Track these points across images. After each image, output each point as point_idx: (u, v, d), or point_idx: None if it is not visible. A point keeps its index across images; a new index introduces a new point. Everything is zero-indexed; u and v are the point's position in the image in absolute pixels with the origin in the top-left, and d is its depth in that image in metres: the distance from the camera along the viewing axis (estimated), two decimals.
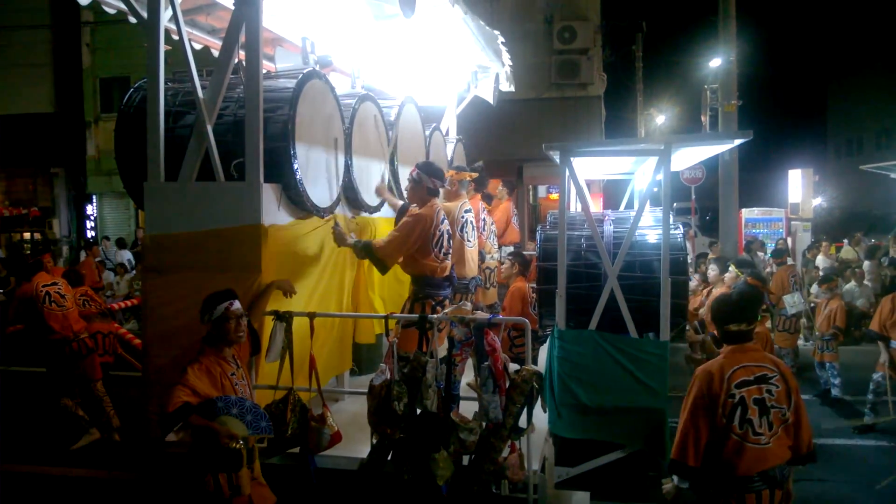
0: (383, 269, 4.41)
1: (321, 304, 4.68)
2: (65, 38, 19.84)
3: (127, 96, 4.63)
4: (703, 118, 13.85)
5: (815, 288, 10.88)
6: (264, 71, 4.17)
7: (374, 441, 3.92)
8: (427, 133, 6.81)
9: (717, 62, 13.60)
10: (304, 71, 4.48)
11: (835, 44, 36.40)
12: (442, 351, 4.03)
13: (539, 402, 3.81)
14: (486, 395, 3.75)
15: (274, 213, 4.16)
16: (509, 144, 15.25)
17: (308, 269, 4.60)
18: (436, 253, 4.33)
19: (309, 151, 4.43)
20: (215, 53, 5.78)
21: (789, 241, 15.37)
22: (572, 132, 15.46)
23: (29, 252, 14.36)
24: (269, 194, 4.09)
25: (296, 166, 4.19)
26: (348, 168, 4.98)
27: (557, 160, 4.68)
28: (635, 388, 4.45)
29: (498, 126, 14.76)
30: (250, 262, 4.00)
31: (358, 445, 4.14)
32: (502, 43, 7.12)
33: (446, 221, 4.49)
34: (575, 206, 6.31)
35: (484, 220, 6.17)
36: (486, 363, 3.77)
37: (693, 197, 17.40)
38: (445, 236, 4.41)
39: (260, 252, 3.99)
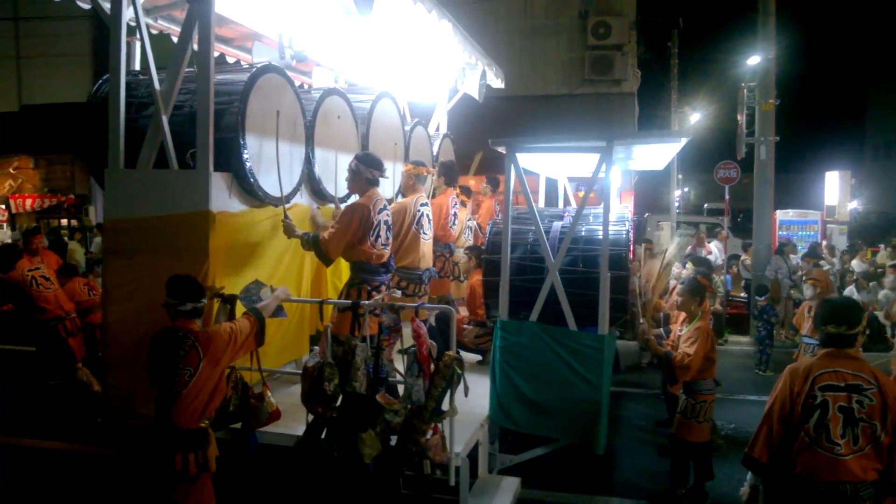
0: (327, 262, 4.59)
1: (283, 284, 4.87)
2: (104, 29, 20.43)
3: (95, 87, 4.90)
4: (739, 117, 13.58)
5: (849, 290, 10.75)
6: (246, 64, 4.35)
7: (310, 420, 4.11)
8: (407, 128, 6.97)
9: (755, 60, 13.33)
10: (259, 65, 4.68)
11: (876, 45, 35.57)
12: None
13: (462, 386, 3.95)
14: (410, 378, 3.91)
15: (224, 200, 4.38)
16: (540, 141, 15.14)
17: (264, 256, 4.80)
18: (372, 241, 4.49)
19: (263, 142, 4.64)
20: (195, 47, 6.04)
21: (824, 243, 15.13)
22: (605, 129, 15.17)
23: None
24: (218, 182, 4.30)
25: (246, 156, 4.40)
26: (310, 160, 5.17)
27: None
28: (573, 380, 4.56)
29: (529, 122, 14.69)
30: (199, 247, 4.21)
31: (300, 424, 4.34)
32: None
33: (386, 212, 4.64)
34: (568, 203, 6.42)
35: (455, 213, 6.31)
36: (413, 348, 3.93)
37: (727, 197, 17.15)
38: (383, 226, 4.57)
39: (207, 237, 4.20)
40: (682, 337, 4.97)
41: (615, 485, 5.52)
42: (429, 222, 5.41)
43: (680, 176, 26.22)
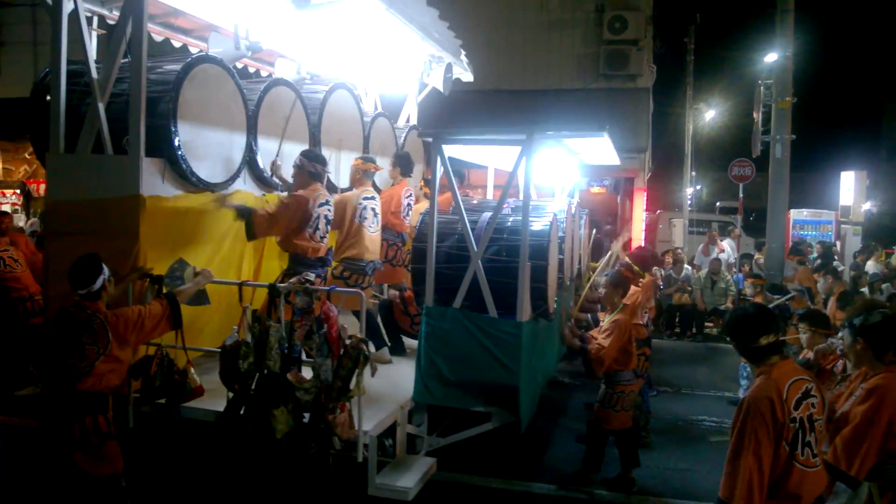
0: (249, 237, 4.74)
1: (218, 273, 5.07)
2: None
3: (43, 75, 5.10)
4: (755, 114, 13.50)
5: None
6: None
7: (230, 396, 4.30)
8: (368, 119, 7.13)
9: (772, 57, 13.25)
10: (195, 56, 4.86)
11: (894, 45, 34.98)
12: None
13: (368, 368, 4.11)
14: (319, 358, 4.09)
15: (157, 185, 4.57)
16: None
17: (203, 240, 4.99)
18: (310, 234, 4.67)
19: (198, 130, 4.82)
20: (156, 38, 6.25)
21: (838, 244, 15.03)
22: (619, 124, 14.94)
23: None
24: (150, 168, 4.50)
25: (177, 143, 4.59)
26: (252, 148, 5.35)
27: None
28: (492, 364, 4.73)
29: (540, 115, 14.60)
30: (130, 229, 4.42)
31: (223, 400, 4.52)
32: (455, 36, 7.36)
33: (327, 206, 4.81)
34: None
35: (409, 204, 6.44)
36: (323, 330, 4.11)
37: (741, 195, 17.08)
38: (322, 220, 4.74)
39: (138, 220, 4.41)
40: (601, 328, 5.09)
41: (541, 470, 5.65)
42: (374, 216, 5.57)
43: (693, 173, 26.09)
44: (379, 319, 5.87)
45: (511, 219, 5.15)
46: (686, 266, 12.62)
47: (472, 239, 4.79)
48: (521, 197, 4.71)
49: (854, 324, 3.55)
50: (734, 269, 13.41)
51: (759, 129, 13.23)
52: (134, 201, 4.42)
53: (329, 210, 4.85)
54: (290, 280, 4.51)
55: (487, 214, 5.10)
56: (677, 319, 11.93)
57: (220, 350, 4.26)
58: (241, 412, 4.26)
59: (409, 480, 4.30)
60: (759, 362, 2.98)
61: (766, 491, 2.80)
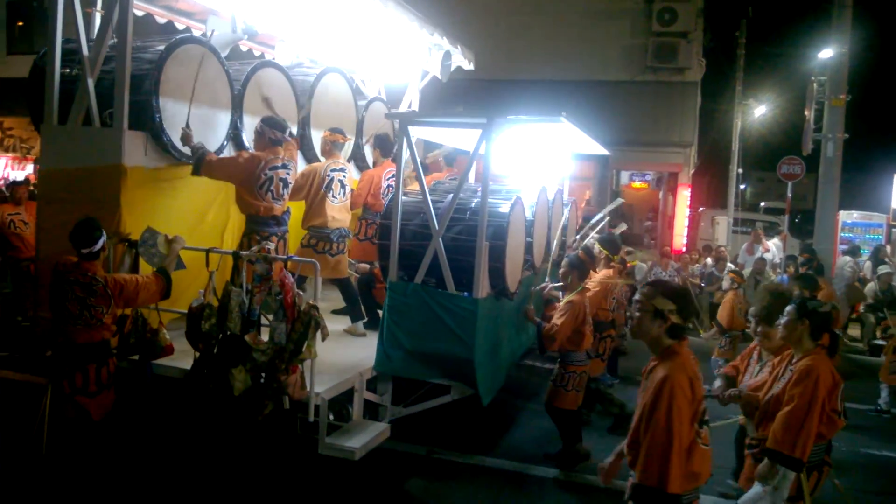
0: (195, 172, 4.93)
1: (202, 242, 5.38)
2: None
3: (42, 52, 5.46)
4: (806, 112, 13.25)
5: None
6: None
7: (196, 356, 4.61)
8: (363, 103, 7.38)
9: (827, 53, 12.96)
10: (179, 36, 5.16)
11: None
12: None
13: (320, 333, 4.37)
14: (275, 322, 4.36)
15: (139, 156, 4.89)
16: (595, 127, 14.77)
17: (186, 210, 5.31)
18: (261, 194, 4.92)
19: (181, 106, 5.12)
20: (159, 20, 6.59)
21: (888, 248, 14.76)
22: (665, 118, 15.35)
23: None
24: (133, 140, 4.82)
25: (158, 117, 4.90)
26: (237, 125, 5.65)
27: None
28: (449, 338, 4.94)
29: (585, 107, 14.69)
30: (112, 197, 4.76)
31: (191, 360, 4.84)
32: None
33: (285, 170, 5.05)
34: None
35: (390, 185, 6.65)
36: (279, 296, 4.38)
37: (789, 195, 16.84)
38: (278, 182, 4.98)
39: (119, 189, 4.74)
40: (558, 308, 5.26)
41: (502, 447, 5.83)
42: (342, 187, 5.80)
43: (740, 170, 25.73)
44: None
45: (475, 200, 5.34)
46: (728, 264, 12.55)
47: (434, 217, 5.00)
48: (482, 178, 4.89)
49: (805, 306, 3.67)
50: (779, 270, 13.33)
51: (811, 127, 12.89)
52: (116, 171, 4.75)
53: (287, 174, 5.09)
54: (250, 246, 4.78)
55: (450, 196, 5.29)
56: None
57: (187, 312, 4.56)
58: (205, 370, 4.56)
59: (357, 442, 4.55)
60: (675, 339, 2.98)
61: (682, 472, 2.78)
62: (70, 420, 4.17)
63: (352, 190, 6.16)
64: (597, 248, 6.22)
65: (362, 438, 4.62)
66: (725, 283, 7.37)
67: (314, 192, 5.60)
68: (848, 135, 12.23)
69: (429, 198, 5.04)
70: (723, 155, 26.51)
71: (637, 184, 21.76)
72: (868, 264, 13.30)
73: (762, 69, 28.03)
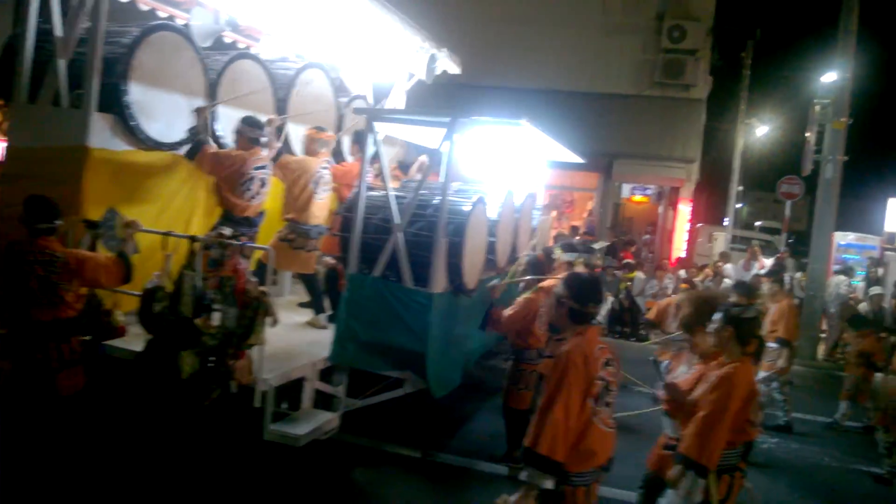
0: (189, 157, 5.13)
1: (167, 228, 5.43)
2: None
3: (12, 34, 5.52)
4: (807, 133, 13.38)
5: None
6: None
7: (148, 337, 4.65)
8: (343, 100, 7.43)
9: (830, 77, 13.13)
10: (154, 23, 5.23)
11: None
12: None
13: (271, 319, 4.41)
14: (224, 306, 4.40)
15: (106, 139, 4.94)
16: (600, 139, 15.24)
17: (150, 195, 5.34)
18: (241, 192, 4.98)
19: (153, 92, 5.18)
20: (142, 7, 6.66)
21: (880, 270, 14.81)
22: (670, 133, 15.51)
23: None
24: (100, 122, 4.88)
25: (126, 101, 4.95)
26: (210, 114, 5.70)
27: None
28: (403, 331, 4.98)
29: (592, 119, 15.03)
30: (75, 177, 4.80)
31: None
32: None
33: (265, 171, 5.12)
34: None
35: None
36: (231, 282, 4.42)
37: (787, 214, 16.86)
38: (257, 182, 5.05)
39: (83, 169, 4.79)
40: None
41: (454, 443, 5.84)
42: (325, 184, 5.87)
43: (741, 188, 25.71)
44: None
45: (439, 198, 5.37)
46: (725, 280, 12.58)
47: (396, 212, 5.04)
48: (445, 176, 4.93)
49: (730, 312, 3.68)
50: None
51: (812, 149, 12.98)
52: (81, 152, 4.80)
53: (266, 174, 5.14)
54: (209, 234, 4.82)
55: (414, 194, 5.33)
56: None
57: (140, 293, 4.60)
58: (154, 352, 4.59)
59: (301, 429, 4.58)
60: (579, 324, 3.17)
61: (570, 443, 2.94)
62: (37, 398, 4.19)
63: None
64: (557, 252, 6.24)
65: (307, 426, 4.66)
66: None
67: (301, 186, 5.66)
68: (848, 157, 12.28)
69: (391, 192, 5.08)
70: (723, 172, 26.53)
71: (638, 197, 21.78)
72: (861, 285, 13.33)
73: (766, 90, 28.14)
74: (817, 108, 13.07)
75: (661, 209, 19.99)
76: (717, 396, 3.44)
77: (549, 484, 2.91)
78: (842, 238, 16.82)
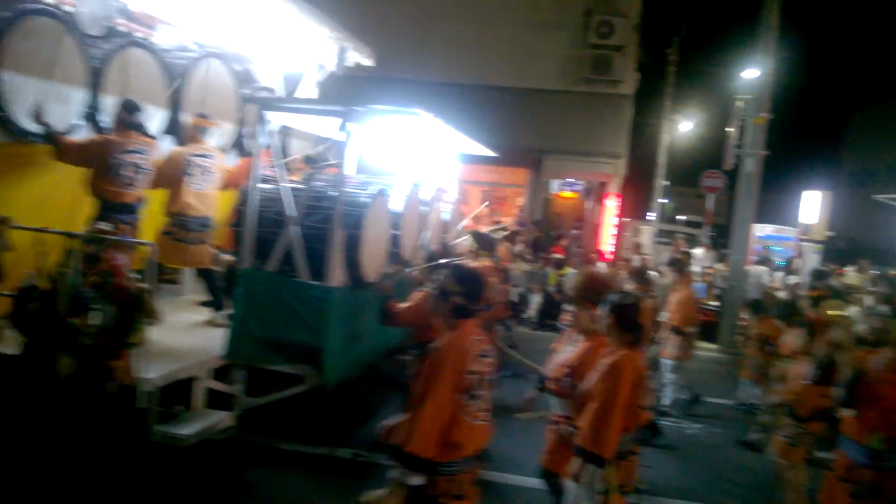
0: (57, 157, 4.86)
1: (49, 223, 5.15)
2: None
3: None
4: (730, 128, 13.66)
5: None
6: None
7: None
8: (247, 90, 7.24)
9: (752, 73, 13.42)
10: (28, 7, 4.94)
11: (864, 72, 35.56)
12: None
13: (152, 318, 4.24)
14: (102, 304, 4.20)
15: None
16: (530, 135, 15.31)
17: (27, 188, 5.06)
18: (112, 178, 4.77)
19: (29, 82, 4.90)
20: None
21: (799, 261, 15.34)
22: (597, 129, 15.60)
23: None
24: None
25: None
26: (93, 105, 5.45)
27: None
28: (300, 326, 4.87)
29: (521, 114, 15.05)
30: None
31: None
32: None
33: (140, 155, 4.90)
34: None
35: None
36: (110, 278, 4.22)
37: (710, 207, 17.24)
38: (131, 167, 4.83)
39: None
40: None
41: (356, 439, 5.74)
42: (204, 174, 5.65)
43: (667, 183, 26.34)
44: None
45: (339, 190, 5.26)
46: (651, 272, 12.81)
47: (290, 204, 4.92)
48: (340, 168, 4.84)
49: (611, 300, 3.70)
50: (699, 278, 13.74)
51: (734, 144, 13.33)
52: None
53: (143, 159, 4.94)
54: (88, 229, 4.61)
55: (312, 185, 5.22)
56: None
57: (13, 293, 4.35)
58: (31, 353, 4.36)
59: (189, 429, 4.42)
60: (457, 318, 3.10)
61: (439, 438, 2.90)
62: None
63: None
64: (467, 241, 6.23)
65: (196, 426, 4.50)
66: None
67: (173, 177, 5.44)
68: (768, 152, 12.68)
69: (284, 184, 4.95)
70: (649, 168, 27.12)
71: (566, 193, 22.05)
72: (779, 274, 13.86)
73: (691, 86, 28.92)
74: (739, 103, 13.46)
75: (588, 204, 20.32)
76: (607, 386, 3.44)
77: (417, 481, 2.87)
78: (761, 230, 17.47)
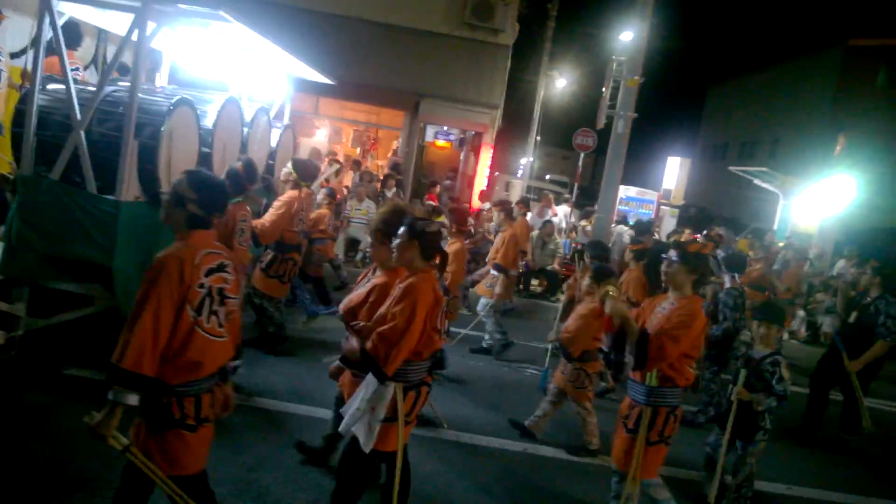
0: None
1: None
2: None
3: None
4: (604, 89, 13.78)
5: None
6: None
7: None
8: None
9: (628, 36, 13.51)
10: None
11: (722, 46, 37.48)
12: None
13: None
14: None
15: None
16: (409, 76, 15.15)
17: None
18: None
19: None
20: None
21: (659, 222, 15.93)
22: (476, 77, 15.68)
23: None
24: None
25: None
26: None
27: None
28: (87, 242, 4.49)
29: (401, 53, 14.82)
30: None
31: None
32: None
33: None
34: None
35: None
36: None
37: (580, 167, 17.54)
38: None
39: None
40: None
41: None
42: None
43: (538, 138, 26.69)
44: None
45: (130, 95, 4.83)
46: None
47: (76, 107, 4.48)
48: (133, 72, 4.43)
49: (414, 226, 3.58)
50: (563, 234, 14.01)
51: (607, 104, 13.49)
52: None
53: None
54: None
55: (110, 88, 4.80)
56: None
57: None
58: None
59: None
60: (189, 228, 2.89)
61: (158, 354, 2.67)
62: None
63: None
64: (287, 169, 5.98)
65: None
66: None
67: None
68: (637, 114, 13.08)
69: (72, 85, 4.50)
70: (522, 123, 27.45)
71: (441, 142, 22.03)
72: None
73: (570, 44, 29.37)
74: (614, 64, 13.75)
75: (462, 155, 20.41)
76: (403, 307, 3.37)
77: (133, 400, 2.64)
78: (625, 192, 18.25)
